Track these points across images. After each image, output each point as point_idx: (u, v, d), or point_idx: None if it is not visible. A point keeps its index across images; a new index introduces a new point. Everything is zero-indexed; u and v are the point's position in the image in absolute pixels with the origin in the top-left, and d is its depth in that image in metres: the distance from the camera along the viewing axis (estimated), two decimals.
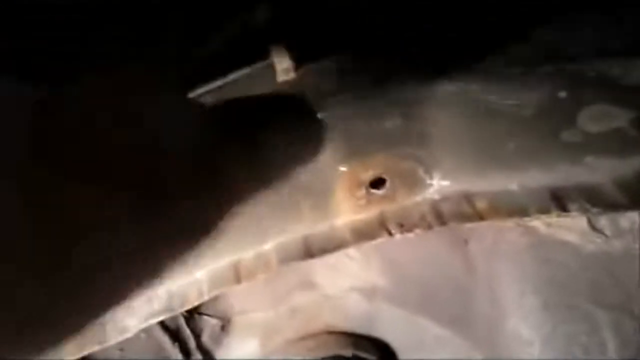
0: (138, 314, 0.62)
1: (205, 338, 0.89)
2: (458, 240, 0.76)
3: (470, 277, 0.78)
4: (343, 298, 0.91)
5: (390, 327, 0.91)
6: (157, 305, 0.62)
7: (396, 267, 0.88)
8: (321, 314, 0.91)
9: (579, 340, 0.69)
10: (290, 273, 0.90)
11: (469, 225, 0.64)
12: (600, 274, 0.65)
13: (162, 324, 0.84)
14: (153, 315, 0.61)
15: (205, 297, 0.61)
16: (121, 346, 0.80)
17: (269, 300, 0.91)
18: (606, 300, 0.65)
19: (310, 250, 0.57)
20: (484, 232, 0.70)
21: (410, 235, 0.56)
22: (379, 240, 0.56)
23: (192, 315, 0.88)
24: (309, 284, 0.92)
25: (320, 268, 0.92)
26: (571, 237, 0.63)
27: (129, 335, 0.61)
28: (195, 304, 0.62)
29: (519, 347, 0.73)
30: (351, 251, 0.88)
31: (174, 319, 0.86)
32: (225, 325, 0.91)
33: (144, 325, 0.62)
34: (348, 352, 0.91)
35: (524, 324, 0.71)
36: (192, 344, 0.87)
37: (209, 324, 0.90)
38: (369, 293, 0.91)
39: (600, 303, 0.65)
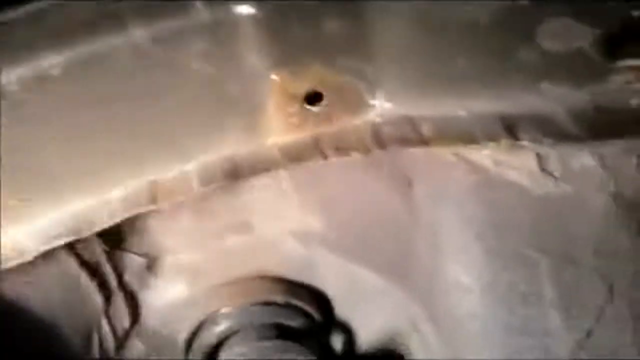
0: (39, 234, 0.55)
1: (128, 277, 0.83)
2: (401, 181, 0.71)
3: (412, 221, 0.74)
4: (279, 242, 0.86)
5: (326, 275, 0.87)
6: (61, 226, 0.55)
7: (333, 209, 0.83)
8: (255, 257, 0.86)
9: (518, 289, 0.65)
10: (223, 212, 0.85)
11: (414, 162, 0.59)
12: (546, 219, 0.61)
13: (79, 257, 0.76)
14: (56, 237, 0.54)
15: (117, 219, 0.55)
16: (29, 280, 0.72)
17: (199, 241, 0.85)
18: (549, 247, 0.62)
19: (236, 171, 0.51)
20: (430, 172, 0.66)
21: (346, 158, 0.50)
22: (312, 163, 0.50)
23: (114, 251, 0.81)
24: (243, 225, 0.86)
25: (256, 209, 0.86)
26: (519, 178, 0.59)
27: (27, 257, 0.54)
28: (106, 226, 0.55)
29: (458, 296, 0.70)
30: (288, 191, 0.82)
31: (92, 252, 0.79)
32: (151, 265, 0.84)
33: (45, 248, 0.55)
34: (281, 299, 0.86)
35: (464, 272, 0.67)
36: (113, 282, 0.81)
37: (133, 261, 0.83)
38: (306, 237, 0.86)
39: (543, 250, 0.62)
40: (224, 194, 0.83)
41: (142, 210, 0.55)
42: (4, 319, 0.69)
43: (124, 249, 0.82)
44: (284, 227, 0.86)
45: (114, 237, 0.81)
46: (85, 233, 0.56)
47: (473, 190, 0.63)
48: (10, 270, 0.65)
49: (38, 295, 0.72)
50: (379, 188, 0.73)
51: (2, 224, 0.55)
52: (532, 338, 0.67)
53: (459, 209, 0.65)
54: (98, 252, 0.79)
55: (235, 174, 0.53)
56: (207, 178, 0.54)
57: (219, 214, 0.85)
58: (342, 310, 0.89)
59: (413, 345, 0.88)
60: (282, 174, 0.78)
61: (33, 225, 0.56)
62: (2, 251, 0.56)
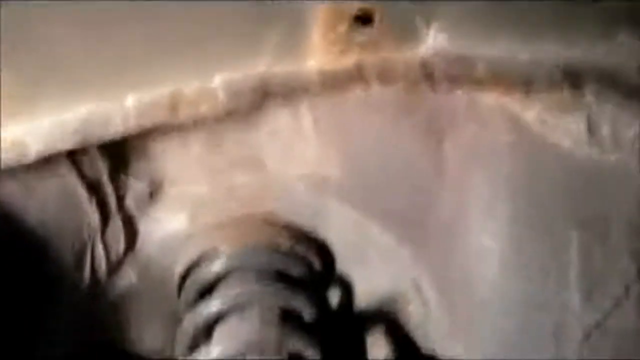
0: (43, 135, 0.50)
1: (128, 201, 0.79)
2: (433, 132, 0.67)
3: (438, 178, 0.70)
4: (290, 185, 0.82)
5: (334, 226, 0.83)
6: (68, 129, 0.50)
7: (354, 157, 0.79)
8: (263, 198, 0.82)
9: (542, 260, 0.62)
10: (235, 146, 0.80)
11: (452, 112, 0.55)
12: (584, 189, 0.57)
13: (81, 172, 0.72)
14: (62, 140, 0.49)
15: (131, 126, 0.50)
16: (29, 188, 0.68)
17: (207, 174, 0.81)
18: (583, 220, 0.58)
19: (267, 90, 0.46)
20: (467, 125, 0.61)
21: (378, 103, 0.45)
22: (352, 92, 0.46)
23: (117, 173, 0.77)
24: (254, 162, 0.82)
25: (270, 147, 0.81)
26: (564, 141, 0.54)
27: (29, 159, 0.50)
28: (118, 134, 0.50)
29: (476, 261, 0.66)
30: (307, 131, 0.78)
31: (95, 170, 0.74)
32: (153, 193, 0.80)
33: (48, 150, 0.50)
34: (284, 245, 0.82)
35: (488, 236, 0.64)
36: (112, 204, 0.77)
37: (135, 187, 0.79)
38: (320, 184, 0.82)
39: (576, 221, 0.58)
40: (237, 126, 0.79)
41: (159, 120, 0.50)
42: (2, 225, 0.65)
43: (128, 173, 0.78)
44: (297, 170, 0.82)
45: (119, 159, 0.76)
46: (94, 140, 0.52)
47: (512, 150, 0.59)
48: (8, 175, 0.61)
49: (34, 205, 0.68)
50: (408, 138, 0.69)
51: (2, 116, 0.50)
52: (547, 312, 0.64)
53: (493, 168, 0.61)
54: (101, 171, 0.75)
55: (265, 93, 0.48)
56: (234, 93, 0.49)
57: (229, 148, 0.81)
58: (345, 264, 0.86)
59: (411, 310, 0.85)
60: (304, 111, 0.73)
61: (37, 124, 0.51)
62: (2, 145, 0.51)
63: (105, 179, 0.75)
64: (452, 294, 0.73)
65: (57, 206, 0.71)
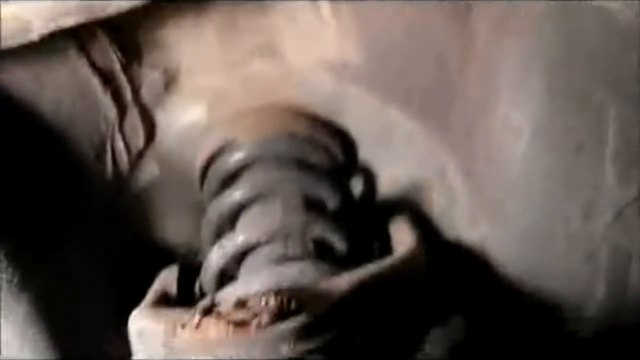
0: (45, 10, 0.47)
1: (144, 92, 0.77)
2: (459, 7, 0.62)
3: (464, 54, 0.66)
4: (308, 72, 0.79)
5: (355, 113, 0.81)
6: (71, 3, 0.47)
7: (377, 40, 0.75)
8: (280, 86, 0.80)
9: (576, 134, 0.59)
10: (251, 32, 0.77)
11: None
12: (627, 55, 0.53)
13: (91, 60, 0.70)
14: (65, 14, 0.46)
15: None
16: (42, 80, 0.66)
17: (223, 63, 0.79)
18: (623, 90, 0.54)
19: None
20: None
21: None
22: None
23: (131, 62, 0.75)
24: (271, 50, 0.79)
25: (287, 33, 0.78)
26: (609, 2, 0.50)
27: (32, 36, 0.47)
28: (122, 8, 0.47)
29: (504, 138, 0.63)
30: (326, 16, 0.74)
31: (107, 60, 0.72)
32: (169, 83, 0.78)
33: (52, 26, 0.47)
34: (304, 132, 0.80)
35: (517, 111, 0.61)
36: (128, 95, 0.75)
37: (150, 77, 0.77)
38: (339, 70, 0.79)
39: (616, 92, 0.55)
40: (253, 12, 0.75)
41: None
42: (12, 116, 0.64)
43: (141, 63, 0.75)
44: (316, 57, 0.79)
45: (131, 49, 0.74)
46: (99, 14, 0.48)
47: (547, 17, 0.54)
48: (17, 61, 0.59)
49: (47, 95, 0.67)
50: (433, 12, 0.64)
51: None
52: (577, 190, 0.62)
53: (525, 39, 0.57)
54: (112, 60, 0.73)
55: None
56: None
57: (245, 35, 0.77)
58: (366, 153, 0.84)
59: (435, 197, 0.84)
60: None
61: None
62: (2, 25, 0.48)
63: (118, 68, 0.73)
64: (477, 176, 0.71)
65: (72, 97, 0.70)
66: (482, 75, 0.63)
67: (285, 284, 0.64)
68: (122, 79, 0.73)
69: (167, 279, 0.76)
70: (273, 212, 0.75)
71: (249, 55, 0.78)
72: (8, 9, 0.48)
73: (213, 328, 0.43)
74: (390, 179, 0.86)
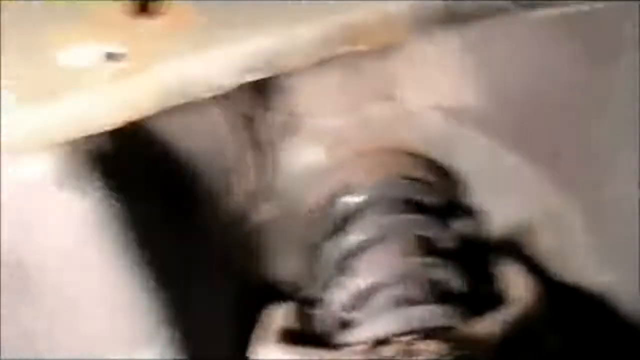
0: (231, 67, 0.51)
1: (268, 135, 0.81)
2: (597, 60, 0.63)
3: (598, 109, 0.67)
4: (424, 116, 0.81)
5: (467, 154, 0.83)
6: (258, 59, 0.50)
7: (501, 87, 0.77)
8: (396, 129, 0.82)
9: None
10: (371, 80, 0.79)
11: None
12: None
13: (225, 107, 0.73)
14: (250, 70, 0.50)
15: (312, 60, 0.49)
16: (183, 122, 0.70)
17: (341, 107, 0.81)
18: None
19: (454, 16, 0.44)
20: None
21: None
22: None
23: (257, 107, 0.78)
24: (389, 96, 0.81)
25: (404, 80, 0.80)
26: None
27: (219, 90, 0.51)
28: (297, 65, 0.50)
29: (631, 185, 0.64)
30: (450, 60, 0.76)
31: (240, 105, 0.75)
32: (290, 126, 0.81)
33: (236, 81, 0.51)
34: (418, 174, 0.82)
35: None
36: (254, 137, 0.78)
37: (274, 120, 0.80)
38: (456, 113, 0.81)
39: None
40: (374, 57, 0.78)
41: (338, 51, 0.50)
42: (160, 157, 0.68)
43: (267, 107, 0.79)
44: (433, 100, 0.81)
45: (259, 93, 0.77)
46: (280, 70, 0.52)
47: None
48: (173, 113, 0.63)
49: (188, 138, 0.71)
50: (567, 64, 0.66)
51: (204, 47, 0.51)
52: None
53: None
54: (243, 106, 0.76)
55: (453, 18, 0.46)
56: (420, 18, 0.47)
57: (366, 80, 0.80)
58: (477, 193, 0.85)
59: (548, 239, 0.84)
60: (451, 39, 0.71)
61: (232, 53, 0.52)
62: (197, 81, 0.52)
63: (255, 113, 0.76)
64: (601, 219, 0.71)
65: (207, 139, 0.73)
66: (614, 131, 0.64)
67: (415, 325, 0.66)
68: (258, 122, 0.76)
69: (285, 315, 0.78)
70: (391, 255, 0.77)
71: (368, 98, 0.81)
72: (195, 67, 0.52)
73: None
74: (499, 220, 0.87)
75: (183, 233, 0.75)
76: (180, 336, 0.67)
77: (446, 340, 0.49)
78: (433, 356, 0.46)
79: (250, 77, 0.53)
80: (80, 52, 0.49)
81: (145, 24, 0.49)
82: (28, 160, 0.55)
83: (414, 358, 0.46)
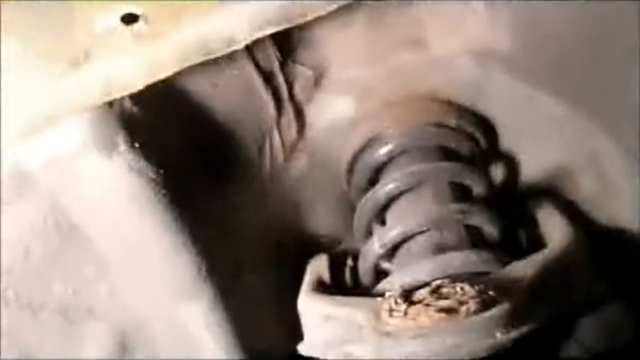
0: (250, 20, 0.51)
1: (297, 89, 0.80)
2: None
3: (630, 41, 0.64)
4: (453, 61, 0.80)
5: (501, 100, 0.81)
6: (272, 12, 0.50)
7: (528, 28, 0.74)
8: (425, 76, 0.81)
9: None
10: (397, 27, 0.78)
11: None
12: None
13: (257, 64, 0.74)
14: (267, 23, 0.50)
15: (329, 8, 0.49)
16: (214, 82, 0.71)
17: (369, 57, 0.80)
18: None
19: None
20: None
21: None
22: None
23: (286, 61, 0.78)
24: (416, 42, 0.80)
25: (432, 24, 0.78)
26: None
27: (239, 46, 0.51)
28: (317, 14, 0.50)
29: None
30: (478, 5, 0.74)
31: (268, 61, 0.76)
32: (318, 79, 0.81)
33: (255, 35, 0.51)
34: (450, 122, 0.81)
35: None
36: (284, 92, 0.79)
37: (302, 74, 0.80)
38: (485, 58, 0.79)
39: None
40: (399, 4, 0.76)
41: None
42: (193, 119, 0.69)
43: (295, 61, 0.79)
44: (462, 46, 0.79)
45: (287, 47, 0.77)
46: (297, 20, 0.51)
47: None
48: (198, 70, 0.63)
49: (221, 97, 0.72)
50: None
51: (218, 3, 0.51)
52: None
53: None
54: (273, 60, 0.76)
55: None
56: None
57: (392, 28, 0.79)
58: (511, 139, 0.84)
59: (584, 182, 0.82)
60: None
61: (245, 7, 0.52)
62: (214, 39, 0.52)
63: (277, 68, 0.76)
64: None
65: (240, 97, 0.74)
66: None
67: (450, 272, 0.66)
68: (280, 78, 0.77)
69: (318, 267, 0.80)
70: (425, 202, 0.77)
71: (395, 47, 0.80)
72: (212, 24, 0.52)
73: (424, 316, 0.45)
74: (535, 164, 0.85)
75: (220, 189, 0.76)
76: (225, 292, 0.70)
77: (478, 284, 0.49)
78: (464, 298, 0.46)
79: (270, 29, 0.53)
80: (100, 16, 0.50)
81: None
82: (64, 127, 0.57)
83: (442, 300, 0.46)
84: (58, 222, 0.63)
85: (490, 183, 0.83)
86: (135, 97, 0.58)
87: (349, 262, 0.82)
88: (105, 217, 0.63)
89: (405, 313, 0.48)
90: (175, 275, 0.65)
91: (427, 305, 0.47)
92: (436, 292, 0.49)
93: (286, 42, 0.76)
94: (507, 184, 0.88)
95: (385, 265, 0.79)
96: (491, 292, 0.47)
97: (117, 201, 0.61)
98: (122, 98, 0.57)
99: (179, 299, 0.66)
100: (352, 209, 0.83)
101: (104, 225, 0.65)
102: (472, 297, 0.46)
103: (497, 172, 0.88)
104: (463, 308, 0.46)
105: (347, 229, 0.85)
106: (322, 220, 0.88)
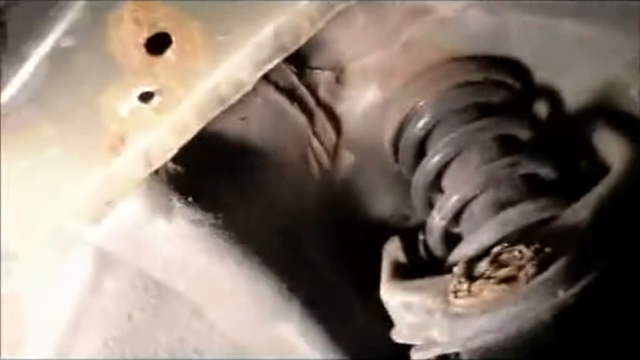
0: (250, 63, 0.54)
1: (322, 93, 0.83)
2: None
3: None
4: (462, 17, 0.79)
5: (520, 40, 0.79)
6: (267, 48, 0.53)
7: None
8: (439, 41, 0.81)
9: None
10: (397, 3, 0.78)
11: None
12: None
13: (276, 85, 0.77)
14: (266, 60, 0.53)
15: (319, 25, 0.51)
16: (242, 115, 0.75)
17: (380, 40, 0.81)
18: None
19: None
20: None
21: None
22: None
23: (303, 70, 0.81)
24: (420, 11, 0.80)
25: None
26: None
27: (247, 88, 0.54)
28: (309, 36, 0.52)
29: None
30: None
31: (285, 78, 0.79)
32: (339, 76, 0.83)
33: (259, 74, 0.54)
34: (477, 77, 0.81)
35: None
36: (310, 101, 0.81)
37: (322, 77, 0.82)
38: (493, 4, 0.77)
39: None
40: None
41: (341, 7, 0.51)
42: (232, 156, 0.73)
43: (311, 67, 0.81)
44: (464, 2, 0.78)
45: (299, 59, 0.79)
46: (291, 48, 0.54)
47: None
48: (225, 111, 0.67)
49: (252, 128, 0.75)
50: None
51: (214, 60, 0.55)
52: None
53: None
54: (289, 76, 0.79)
55: None
56: None
57: (393, 5, 0.79)
58: (543, 73, 0.82)
59: (633, 93, 0.80)
60: None
61: (241, 55, 0.55)
62: (223, 90, 0.56)
63: (296, 81, 0.79)
64: None
65: (270, 121, 0.77)
66: None
67: (512, 228, 0.67)
68: (302, 88, 0.79)
69: (393, 250, 0.82)
70: (474, 164, 0.78)
71: (401, 23, 0.80)
72: (222, 73, 0.56)
73: (486, 290, 0.47)
74: (577, 90, 0.84)
75: (276, 210, 0.80)
76: (310, 304, 0.74)
77: (538, 239, 0.50)
78: (521, 262, 0.47)
79: (271, 65, 0.56)
80: (121, 102, 0.55)
81: (159, 59, 0.53)
82: (124, 206, 0.63)
83: (502, 269, 0.47)
84: (146, 285, 0.70)
85: (535, 124, 0.82)
86: (175, 158, 0.63)
87: (421, 236, 0.83)
88: (183, 270, 0.69)
89: (469, 291, 0.49)
90: (261, 302, 0.70)
91: (488, 278, 0.48)
92: (495, 261, 0.50)
93: (297, 53, 0.78)
94: (553, 117, 0.86)
95: (454, 230, 0.80)
96: (548, 249, 0.48)
97: (188, 253, 0.67)
98: (164, 164, 0.62)
99: (271, 321, 0.71)
100: (409, 184, 0.84)
101: (184, 277, 0.70)
102: (529, 260, 0.47)
103: (541, 109, 0.87)
104: (522, 274, 0.47)
105: (410, 203, 0.87)
106: (384, 203, 0.91)
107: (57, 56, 0.51)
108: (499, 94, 0.81)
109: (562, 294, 0.47)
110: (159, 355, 0.72)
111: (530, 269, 0.47)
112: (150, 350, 0.73)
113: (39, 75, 0.50)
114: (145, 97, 0.55)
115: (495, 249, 0.53)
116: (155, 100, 0.55)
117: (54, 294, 0.71)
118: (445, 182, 0.80)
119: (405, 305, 0.60)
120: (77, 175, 0.59)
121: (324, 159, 0.84)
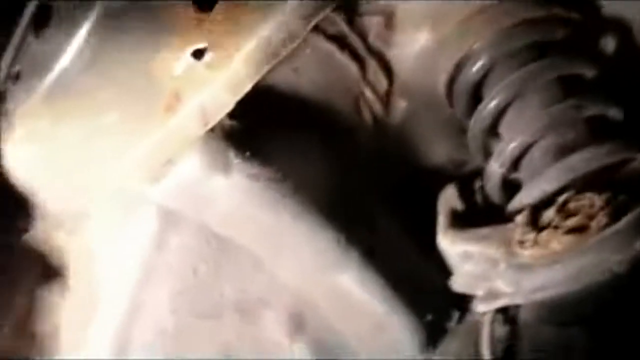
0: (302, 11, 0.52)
1: (372, 39, 0.80)
2: None
3: None
4: None
5: None
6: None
7: None
8: None
9: None
10: None
11: None
12: None
13: (325, 34, 0.75)
14: (318, 9, 0.51)
15: None
16: (294, 67, 0.74)
17: None
18: None
19: None
20: None
21: None
22: None
23: (352, 18, 0.78)
24: None
25: None
26: None
27: (299, 40, 0.53)
28: None
29: None
30: None
31: (334, 25, 0.77)
32: (389, 22, 0.80)
33: (310, 25, 0.53)
34: (534, 13, 0.76)
35: None
36: (361, 47, 0.79)
37: (372, 23, 0.80)
38: None
39: None
40: None
41: None
42: (287, 108, 0.73)
43: (361, 14, 0.78)
44: None
45: (347, 6, 0.77)
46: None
47: None
48: (277, 64, 0.66)
49: (305, 79, 0.74)
50: None
51: (264, 13, 0.54)
52: None
53: None
54: (339, 23, 0.77)
55: None
56: None
57: None
58: (609, 4, 0.77)
59: None
60: None
61: (290, 6, 0.54)
62: (275, 42, 0.55)
63: (346, 29, 0.77)
64: None
65: (321, 71, 0.76)
66: None
67: (577, 174, 0.64)
68: (352, 36, 0.77)
69: (449, 198, 0.81)
70: (535, 107, 0.74)
71: None
72: (272, 26, 0.55)
73: (554, 240, 0.45)
74: None
75: (333, 159, 0.80)
76: (369, 254, 0.75)
77: (606, 185, 0.47)
78: (592, 211, 0.45)
79: (319, 17, 0.55)
80: (175, 61, 0.55)
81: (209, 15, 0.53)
82: (182, 163, 0.64)
83: (571, 219, 0.46)
84: (208, 239, 0.72)
85: (602, 58, 0.78)
86: (230, 113, 0.63)
87: (478, 183, 0.82)
88: (244, 224, 0.70)
89: (536, 242, 0.48)
90: (320, 253, 0.71)
91: (556, 227, 0.47)
92: (563, 209, 0.48)
93: (345, 1, 0.76)
94: (622, 52, 0.82)
95: (513, 176, 0.78)
96: (622, 197, 0.45)
97: (248, 207, 0.68)
98: (220, 120, 0.62)
99: (330, 272, 0.72)
100: (465, 129, 0.82)
101: (245, 230, 0.72)
102: (601, 208, 0.45)
103: (608, 43, 0.82)
104: (593, 223, 0.45)
105: (467, 149, 0.85)
106: (439, 150, 0.89)
107: (108, 21, 0.51)
108: (561, 30, 0.77)
109: (638, 245, 0.45)
110: (225, 308, 0.75)
111: (602, 218, 0.45)
112: (214, 303, 0.75)
113: (92, 42, 0.50)
114: (198, 54, 0.55)
115: (563, 197, 0.51)
116: (208, 56, 0.55)
117: (123, 252, 0.74)
118: (504, 127, 0.77)
119: (465, 255, 0.59)
120: (136, 137, 0.60)
121: (377, 106, 0.82)
